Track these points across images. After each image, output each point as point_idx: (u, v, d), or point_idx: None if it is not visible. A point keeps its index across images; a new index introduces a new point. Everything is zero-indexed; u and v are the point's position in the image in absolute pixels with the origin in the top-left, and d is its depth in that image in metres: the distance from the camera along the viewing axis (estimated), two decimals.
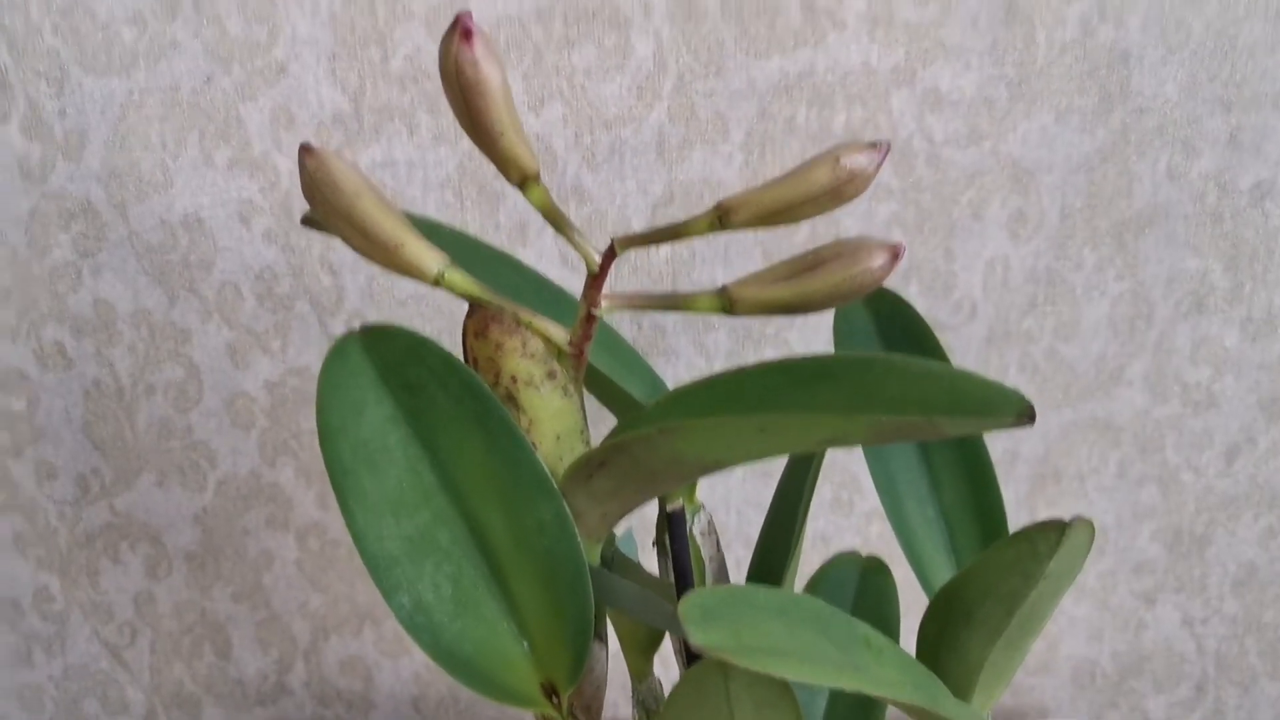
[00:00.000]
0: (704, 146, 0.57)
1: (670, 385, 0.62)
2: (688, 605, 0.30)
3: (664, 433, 0.33)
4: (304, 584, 0.65)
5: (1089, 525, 0.35)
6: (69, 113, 0.54)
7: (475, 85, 0.30)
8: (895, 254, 0.34)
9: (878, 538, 0.65)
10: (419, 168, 0.57)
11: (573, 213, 0.58)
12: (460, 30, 0.30)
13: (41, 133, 0.55)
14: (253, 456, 0.62)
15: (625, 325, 0.61)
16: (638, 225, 0.58)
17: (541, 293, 0.43)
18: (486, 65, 0.30)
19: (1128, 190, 0.59)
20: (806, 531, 0.66)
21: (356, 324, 0.59)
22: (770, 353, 0.62)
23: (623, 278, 0.60)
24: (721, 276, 0.60)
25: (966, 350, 0.62)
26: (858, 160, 0.33)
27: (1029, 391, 0.63)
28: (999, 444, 0.64)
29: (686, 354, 0.62)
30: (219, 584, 0.65)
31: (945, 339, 0.59)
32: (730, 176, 0.58)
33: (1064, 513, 0.66)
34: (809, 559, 0.67)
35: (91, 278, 0.57)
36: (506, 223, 0.58)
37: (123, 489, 0.62)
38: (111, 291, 0.58)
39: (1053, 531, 0.34)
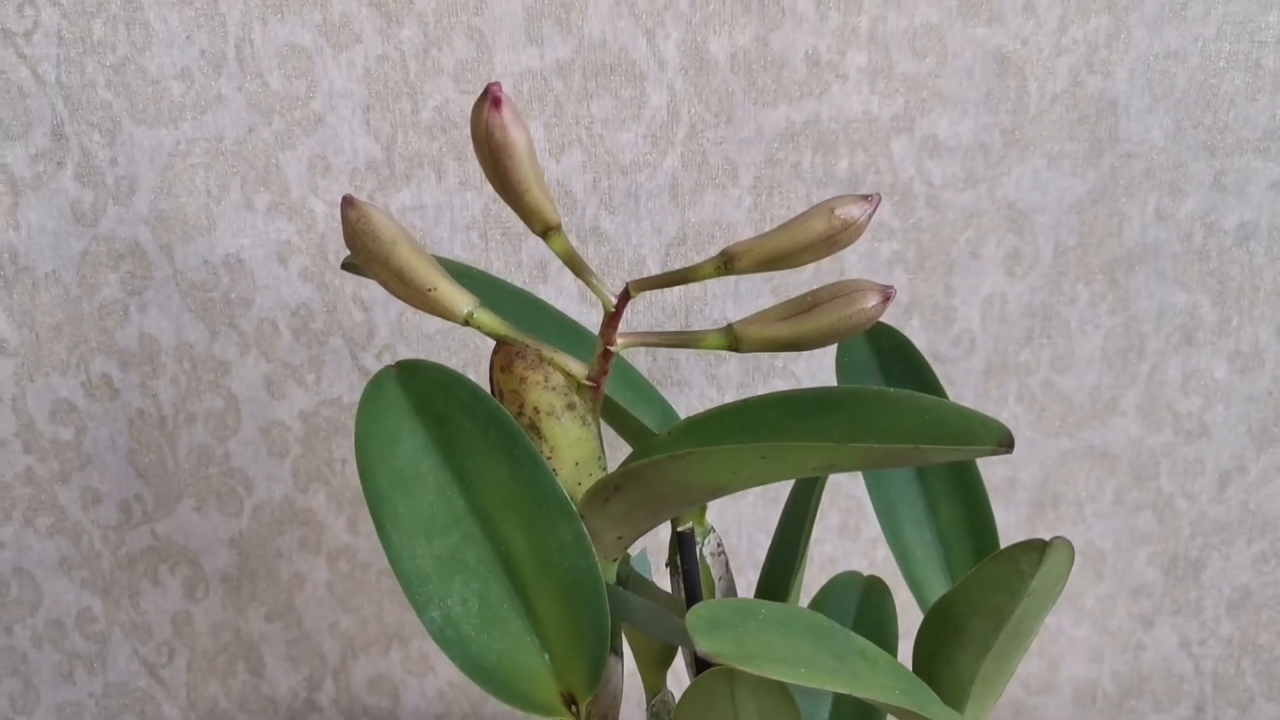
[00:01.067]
0: (715, 190, 0.59)
1: (682, 415, 0.64)
2: (695, 616, 0.32)
3: (674, 459, 0.35)
4: (334, 605, 0.67)
5: (1068, 545, 0.37)
6: (120, 161, 0.57)
7: (504, 147, 0.33)
8: (887, 296, 0.36)
9: (883, 561, 0.66)
10: (446, 211, 0.59)
11: (591, 252, 0.60)
12: (490, 98, 0.33)
13: (94, 180, 0.58)
14: (287, 483, 0.64)
15: (641, 357, 0.62)
16: (652, 264, 0.60)
17: (561, 329, 0.45)
18: (514, 129, 0.33)
19: (1118, 230, 0.60)
20: (816, 555, 0.68)
21: (387, 358, 0.62)
22: (778, 383, 0.63)
23: (639, 312, 0.62)
24: (732, 311, 0.62)
25: (966, 382, 0.63)
26: (851, 211, 0.35)
27: (1027, 421, 0.64)
28: (999, 471, 0.66)
29: (699, 384, 0.64)
30: (253, 605, 0.67)
31: (946, 371, 0.62)
32: (739, 218, 0.59)
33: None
34: (818, 581, 0.69)
35: (138, 314, 0.60)
36: (528, 261, 0.61)
37: (163, 514, 0.64)
38: (156, 327, 0.60)
39: (1034, 551, 0.37)
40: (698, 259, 0.59)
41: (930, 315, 0.62)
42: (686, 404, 0.63)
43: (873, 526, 0.66)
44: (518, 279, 0.60)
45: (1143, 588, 0.68)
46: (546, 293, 0.60)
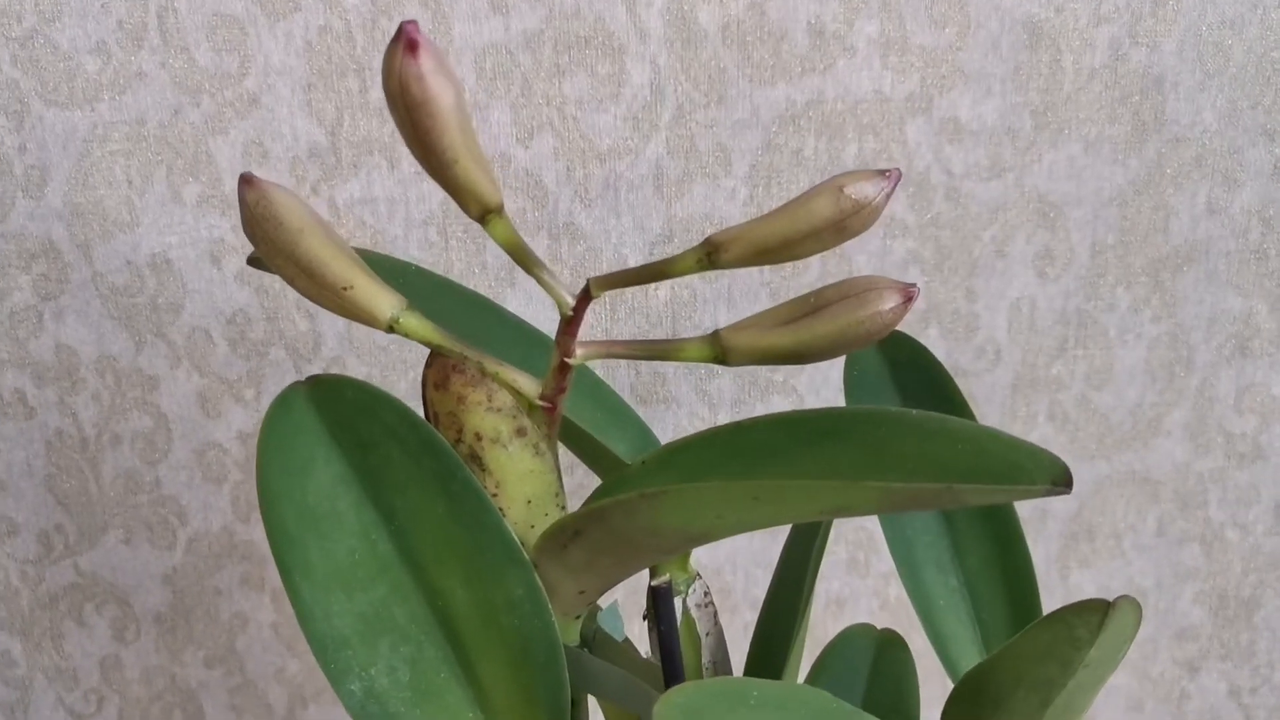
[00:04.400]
0: (705, 180, 0.55)
1: (670, 436, 0.59)
2: (667, 706, 0.26)
3: (645, 499, 0.30)
4: (280, 648, 0.63)
5: (1135, 607, 0.31)
6: (29, 148, 0.52)
7: (423, 104, 0.27)
8: (908, 296, 0.31)
9: (896, 601, 0.63)
10: (400, 204, 0.54)
11: (564, 252, 0.55)
12: (405, 41, 0.26)
13: (0, 169, 0.53)
14: (225, 512, 0.60)
15: (622, 370, 0.58)
16: (634, 264, 0.56)
17: (519, 338, 0.40)
18: (435, 81, 0.27)
19: (1164, 225, 0.57)
20: (821, 593, 0.62)
21: (336, 371, 0.57)
22: (778, 400, 0.59)
23: (619, 320, 0.57)
24: (725, 318, 0.57)
25: (990, 398, 0.60)
26: (864, 190, 0.29)
27: (1059, 443, 0.61)
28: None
29: (688, 401, 0.59)
30: (190, 648, 0.63)
31: (967, 386, 0.59)
32: (733, 212, 0.55)
33: (1098, 574, 0.63)
34: (823, 624, 0.64)
35: (53, 322, 0.56)
36: (494, 263, 0.55)
37: (87, 547, 0.60)
38: (75, 336, 0.56)
39: (1094, 614, 0.31)
40: None
41: (950, 323, 0.58)
42: (674, 424, 0.59)
43: (885, 560, 0.62)
44: (481, 283, 0.56)
45: (1188, 630, 0.65)
46: (514, 299, 0.56)
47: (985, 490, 0.28)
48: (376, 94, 0.52)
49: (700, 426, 0.59)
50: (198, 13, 0.51)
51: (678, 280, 0.56)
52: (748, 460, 0.32)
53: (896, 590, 0.63)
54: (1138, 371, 0.60)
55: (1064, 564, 0.63)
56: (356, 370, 0.57)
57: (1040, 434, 0.60)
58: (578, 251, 0.55)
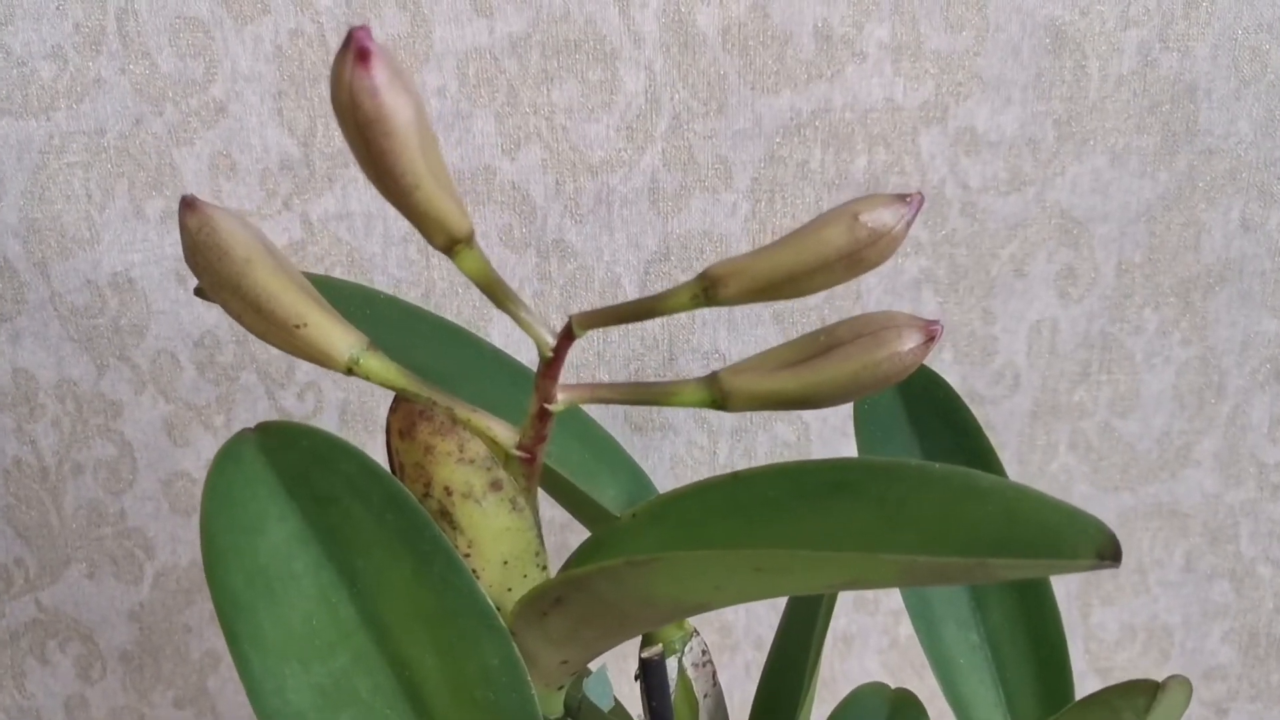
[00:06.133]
0: (704, 194, 0.53)
1: (667, 466, 0.56)
2: None
3: (633, 567, 0.27)
4: None
5: (1185, 687, 0.28)
6: None
7: (377, 122, 0.23)
8: (930, 335, 0.28)
9: (907, 640, 0.60)
10: (378, 219, 0.52)
11: (554, 270, 0.52)
12: (355, 50, 0.23)
13: None
14: (194, 545, 0.57)
15: None
16: (628, 284, 0.53)
17: (500, 376, 0.37)
18: (391, 95, 0.23)
19: (1195, 243, 0.55)
20: (827, 630, 0.59)
21: (310, 397, 0.54)
22: (781, 429, 0.56)
23: (612, 343, 0.54)
24: (725, 342, 0.54)
25: (1009, 426, 0.57)
26: (881, 217, 0.27)
27: (1081, 473, 0.58)
28: None
29: (686, 429, 0.56)
30: (159, 688, 0.60)
31: (984, 413, 0.57)
32: (734, 229, 0.53)
33: (1122, 611, 0.61)
34: (829, 662, 0.60)
35: (10, 345, 0.53)
36: None
37: (49, 581, 0.58)
38: (32, 360, 0.54)
39: (1141, 695, 0.28)
40: (684, 279, 0.52)
41: (966, 346, 0.56)
42: (671, 453, 0.56)
43: (894, 597, 0.60)
44: (465, 303, 0.53)
45: (1216, 670, 0.63)
46: (501, 324, 0.53)
47: (1021, 564, 0.24)
48: None
49: (699, 455, 0.57)
50: (159, 15, 0.48)
51: None
52: (748, 517, 0.29)
53: (907, 628, 0.60)
54: (1165, 398, 0.58)
55: (1085, 601, 0.60)
56: (333, 396, 0.54)
57: (1061, 463, 0.58)
58: (568, 270, 0.52)
